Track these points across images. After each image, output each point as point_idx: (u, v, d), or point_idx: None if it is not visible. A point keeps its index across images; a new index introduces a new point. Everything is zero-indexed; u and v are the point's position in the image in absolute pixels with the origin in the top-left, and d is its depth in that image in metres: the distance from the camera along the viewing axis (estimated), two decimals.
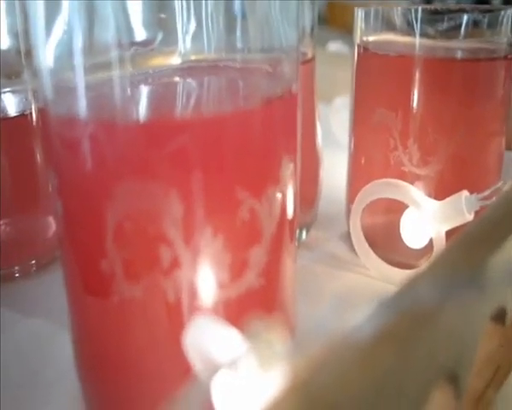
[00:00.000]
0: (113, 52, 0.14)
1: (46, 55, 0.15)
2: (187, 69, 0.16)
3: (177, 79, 0.17)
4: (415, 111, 0.25)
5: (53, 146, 0.15)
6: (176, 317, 0.15)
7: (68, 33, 0.14)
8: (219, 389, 0.12)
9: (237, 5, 0.15)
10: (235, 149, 0.14)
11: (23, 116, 0.27)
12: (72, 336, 0.18)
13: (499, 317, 0.17)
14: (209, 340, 0.13)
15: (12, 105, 0.28)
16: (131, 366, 0.16)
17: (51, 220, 0.27)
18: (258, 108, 0.15)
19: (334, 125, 0.42)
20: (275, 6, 0.15)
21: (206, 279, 0.14)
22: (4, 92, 0.28)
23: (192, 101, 0.16)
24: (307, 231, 0.31)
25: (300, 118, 0.17)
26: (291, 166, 0.16)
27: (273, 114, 0.15)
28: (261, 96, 0.15)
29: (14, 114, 0.27)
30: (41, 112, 0.15)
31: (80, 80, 0.14)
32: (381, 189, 0.25)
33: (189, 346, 0.14)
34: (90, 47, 0.14)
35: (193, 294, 0.14)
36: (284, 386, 0.10)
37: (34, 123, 0.26)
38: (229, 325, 0.13)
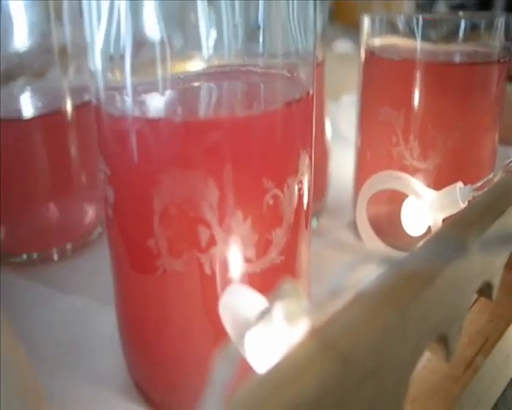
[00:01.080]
0: (156, 56, 0.16)
1: (100, 58, 0.17)
2: (217, 73, 0.19)
3: (209, 82, 0.19)
4: (416, 110, 0.28)
5: (105, 140, 0.18)
6: (211, 287, 0.17)
7: (118, 38, 0.16)
8: (251, 345, 0.14)
9: (259, 14, 0.18)
10: (261, 145, 0.17)
11: (58, 113, 0.29)
12: (117, 307, 0.20)
13: (485, 291, 0.20)
14: (239, 305, 0.16)
15: (43, 102, 0.30)
16: (171, 331, 0.19)
17: (86, 208, 0.30)
18: (280, 110, 0.17)
19: (341, 121, 0.45)
20: (293, 15, 0.18)
21: (236, 255, 0.17)
22: (34, 90, 0.30)
23: (223, 102, 0.19)
24: (318, 219, 0.34)
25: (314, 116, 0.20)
26: (307, 159, 0.19)
27: (292, 115, 0.18)
28: (282, 100, 0.18)
29: (49, 112, 0.30)
30: (95, 109, 0.18)
31: (129, 81, 0.17)
32: (384, 180, 0.28)
33: (222, 311, 0.16)
34: (137, 50, 0.17)
35: (225, 268, 0.17)
36: (303, 335, 0.12)
37: (69, 119, 0.29)
38: (255, 292, 0.16)
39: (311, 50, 0.19)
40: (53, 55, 0.29)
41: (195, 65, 0.19)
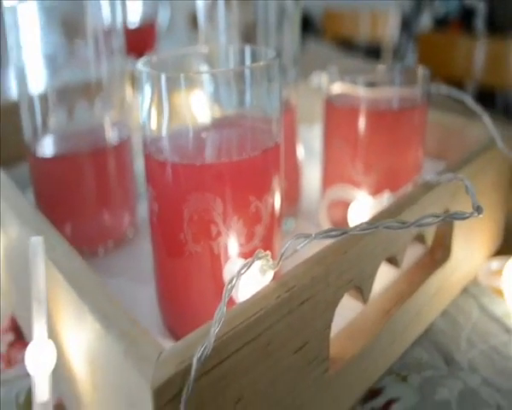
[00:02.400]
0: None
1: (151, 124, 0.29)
2: (216, 126, 0.30)
3: (211, 132, 0.30)
4: (359, 142, 0.39)
5: (152, 173, 0.29)
6: (218, 261, 0.28)
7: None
8: (240, 285, 0.25)
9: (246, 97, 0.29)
10: (247, 176, 0.28)
11: (104, 150, 0.40)
12: (156, 280, 0.32)
13: (394, 261, 0.31)
14: (235, 269, 0.27)
15: (93, 141, 0.40)
16: (193, 291, 0.30)
17: (123, 215, 0.41)
18: (259, 155, 0.28)
19: (315, 143, 0.56)
20: (268, 94, 0.29)
21: (233, 242, 0.28)
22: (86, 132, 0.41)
23: (223, 149, 0.30)
24: (295, 220, 0.45)
25: (283, 155, 0.31)
26: (277, 181, 0.30)
27: (267, 156, 0.29)
28: (260, 148, 0.29)
29: (97, 149, 0.40)
30: (144, 152, 0.29)
31: (165, 140, 0.28)
32: (337, 191, 0.39)
33: (225, 273, 0.28)
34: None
35: (226, 249, 0.28)
36: (269, 281, 0.24)
37: (112, 153, 0.39)
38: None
39: (279, 114, 0.30)
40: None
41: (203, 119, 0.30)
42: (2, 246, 0.36)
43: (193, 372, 0.19)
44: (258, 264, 0.24)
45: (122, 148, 0.40)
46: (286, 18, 0.42)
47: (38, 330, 0.24)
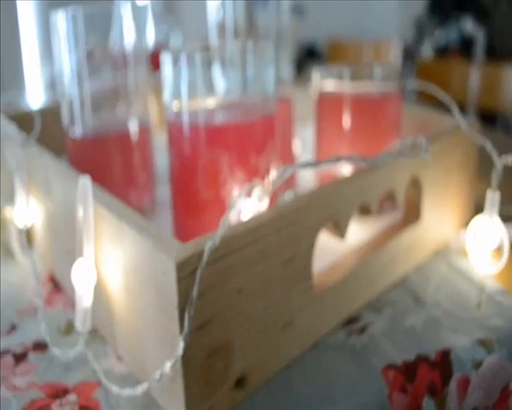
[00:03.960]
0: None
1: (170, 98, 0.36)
2: (224, 98, 0.37)
3: (220, 102, 0.37)
4: (345, 126, 0.46)
5: (173, 134, 0.36)
6: (224, 205, 0.35)
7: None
8: (242, 209, 0.32)
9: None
10: (248, 136, 0.35)
11: (128, 135, 0.47)
12: (174, 224, 0.39)
13: (367, 208, 0.38)
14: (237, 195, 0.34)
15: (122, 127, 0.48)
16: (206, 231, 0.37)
17: (145, 192, 0.48)
18: (257, 120, 0.36)
19: (308, 138, 0.63)
20: (265, 74, 0.37)
21: (237, 187, 0.35)
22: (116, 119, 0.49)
23: (228, 115, 0.37)
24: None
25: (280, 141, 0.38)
26: (272, 145, 0.37)
27: (264, 122, 0.36)
28: (258, 115, 0.36)
29: (124, 134, 0.48)
30: (167, 118, 0.37)
31: (184, 106, 0.35)
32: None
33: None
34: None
35: (231, 195, 0.35)
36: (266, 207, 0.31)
37: (136, 138, 0.47)
38: None
39: (273, 92, 0.38)
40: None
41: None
42: (46, 212, 0.43)
43: (205, 257, 0.26)
44: (255, 193, 0.31)
45: (144, 136, 0.48)
46: (283, 36, 0.50)
47: (88, 250, 0.31)
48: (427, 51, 2.89)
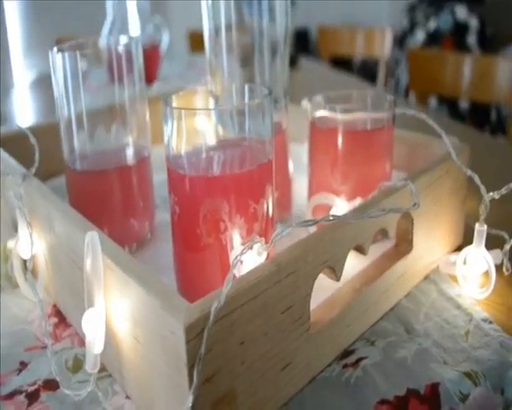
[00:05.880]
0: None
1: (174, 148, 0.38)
2: (222, 146, 0.39)
3: (219, 151, 0.39)
4: (337, 158, 0.48)
5: (174, 183, 0.38)
6: (225, 250, 0.37)
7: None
8: (244, 262, 0.34)
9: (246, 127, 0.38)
10: (247, 186, 0.37)
11: (127, 167, 0.49)
12: (176, 268, 0.41)
13: (360, 248, 0.40)
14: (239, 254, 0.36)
15: (119, 159, 0.50)
16: (207, 276, 0.39)
17: (143, 222, 0.50)
18: (254, 169, 0.38)
19: (304, 158, 0.65)
20: (263, 122, 0.38)
21: (237, 235, 0.37)
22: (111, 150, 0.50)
23: (227, 164, 0.39)
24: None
25: (275, 168, 0.40)
26: (270, 189, 0.39)
27: (261, 170, 0.38)
28: (255, 163, 0.38)
29: (122, 166, 0.50)
30: (167, 167, 0.38)
31: (184, 155, 0.37)
32: (320, 197, 0.48)
33: (231, 258, 0.37)
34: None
35: (232, 241, 0.37)
36: (264, 260, 0.33)
37: (134, 169, 0.49)
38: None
39: (270, 137, 0.39)
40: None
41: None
42: (48, 246, 0.45)
43: (211, 317, 0.28)
44: (255, 248, 0.33)
45: (143, 165, 0.49)
46: (278, 51, 0.51)
47: (98, 299, 0.33)
48: (419, 38, 2.89)
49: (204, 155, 0.38)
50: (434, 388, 0.37)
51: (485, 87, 1.50)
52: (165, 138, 0.38)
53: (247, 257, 0.33)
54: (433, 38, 2.84)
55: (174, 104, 0.37)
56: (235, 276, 0.30)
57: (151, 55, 1.30)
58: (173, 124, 0.37)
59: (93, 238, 0.33)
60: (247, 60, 0.51)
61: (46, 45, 0.53)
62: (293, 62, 1.49)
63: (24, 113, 1.33)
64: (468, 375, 0.37)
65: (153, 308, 0.29)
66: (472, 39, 2.71)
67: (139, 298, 0.31)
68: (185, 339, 0.27)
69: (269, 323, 0.32)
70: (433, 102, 1.94)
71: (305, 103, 0.71)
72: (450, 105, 2.01)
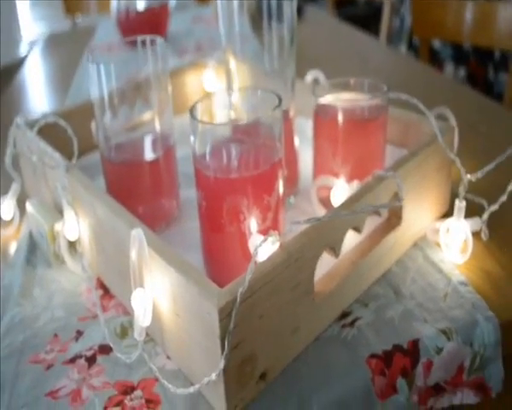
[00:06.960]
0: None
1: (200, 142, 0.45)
2: (241, 150, 0.46)
3: (237, 154, 0.46)
4: (338, 143, 0.55)
5: (200, 180, 0.46)
6: (244, 236, 0.45)
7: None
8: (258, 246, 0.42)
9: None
10: (262, 181, 0.45)
11: (157, 159, 0.56)
12: (203, 251, 0.49)
13: (356, 228, 0.48)
14: (257, 240, 0.44)
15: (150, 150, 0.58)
16: (229, 258, 0.47)
17: (173, 202, 0.58)
18: (268, 169, 0.45)
19: (308, 131, 0.72)
20: (273, 127, 0.45)
21: (253, 223, 0.45)
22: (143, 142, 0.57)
23: (245, 165, 0.46)
24: (295, 197, 0.62)
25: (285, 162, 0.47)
26: (281, 183, 0.46)
27: (274, 168, 0.45)
28: (268, 162, 0.45)
29: (152, 158, 0.57)
30: (195, 166, 0.46)
31: (209, 159, 0.44)
32: (323, 179, 0.56)
33: (250, 245, 0.45)
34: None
35: (249, 228, 0.45)
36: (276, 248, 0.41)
37: (163, 159, 0.56)
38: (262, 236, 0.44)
39: (280, 141, 0.46)
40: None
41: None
42: (91, 229, 0.53)
43: (238, 300, 0.36)
44: (269, 239, 0.41)
45: (169, 154, 0.57)
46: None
47: (146, 281, 0.41)
48: None
49: (225, 158, 0.45)
50: (415, 343, 0.45)
51: (488, 32, 1.52)
52: (192, 143, 0.45)
53: (264, 246, 0.41)
54: None
55: (198, 115, 0.44)
56: (255, 263, 0.38)
57: (160, 14, 1.34)
58: (198, 133, 0.44)
59: (138, 235, 0.41)
60: (256, 23, 0.57)
61: None
62: (299, 13, 1.52)
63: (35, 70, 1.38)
64: (443, 332, 0.46)
65: (191, 293, 0.38)
66: None
67: (180, 284, 0.39)
68: (218, 318, 0.36)
69: (281, 299, 0.40)
70: (436, 43, 1.96)
71: (312, 75, 0.78)
72: (453, 46, 2.03)
